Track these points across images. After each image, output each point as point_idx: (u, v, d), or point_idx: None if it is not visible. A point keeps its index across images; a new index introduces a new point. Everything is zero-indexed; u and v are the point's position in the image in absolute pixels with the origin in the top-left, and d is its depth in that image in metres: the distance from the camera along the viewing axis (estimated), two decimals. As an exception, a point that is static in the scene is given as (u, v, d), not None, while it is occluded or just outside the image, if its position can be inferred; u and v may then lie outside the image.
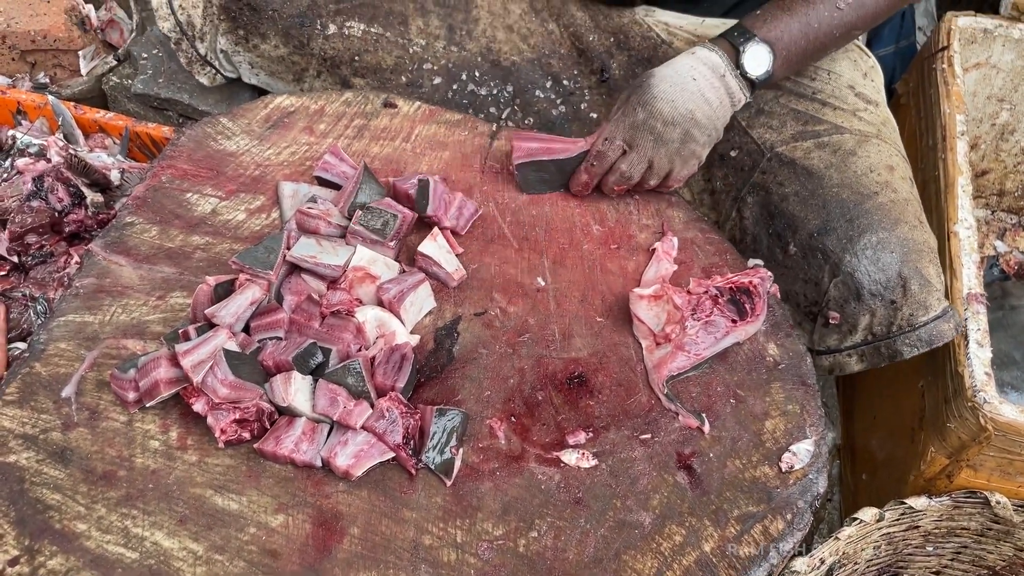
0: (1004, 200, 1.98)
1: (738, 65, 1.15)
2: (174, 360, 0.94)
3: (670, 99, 1.11)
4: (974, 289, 1.27)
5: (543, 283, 1.12)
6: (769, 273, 1.08)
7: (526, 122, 1.45)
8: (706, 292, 1.03)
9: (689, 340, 1.02)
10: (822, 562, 1.20)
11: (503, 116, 1.45)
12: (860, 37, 1.42)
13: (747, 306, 1.04)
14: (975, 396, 1.16)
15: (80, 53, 1.71)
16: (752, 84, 1.16)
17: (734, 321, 1.03)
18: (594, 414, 1.00)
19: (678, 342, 1.02)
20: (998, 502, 1.23)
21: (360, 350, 1.00)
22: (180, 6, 1.44)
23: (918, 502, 1.24)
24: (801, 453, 0.97)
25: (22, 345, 1.23)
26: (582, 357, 1.05)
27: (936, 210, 1.42)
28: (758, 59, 1.15)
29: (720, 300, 1.04)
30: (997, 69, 1.74)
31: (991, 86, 1.77)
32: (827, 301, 1.18)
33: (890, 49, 2.06)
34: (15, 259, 1.31)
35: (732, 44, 1.15)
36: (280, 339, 1.00)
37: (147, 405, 0.95)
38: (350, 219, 1.10)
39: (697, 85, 1.13)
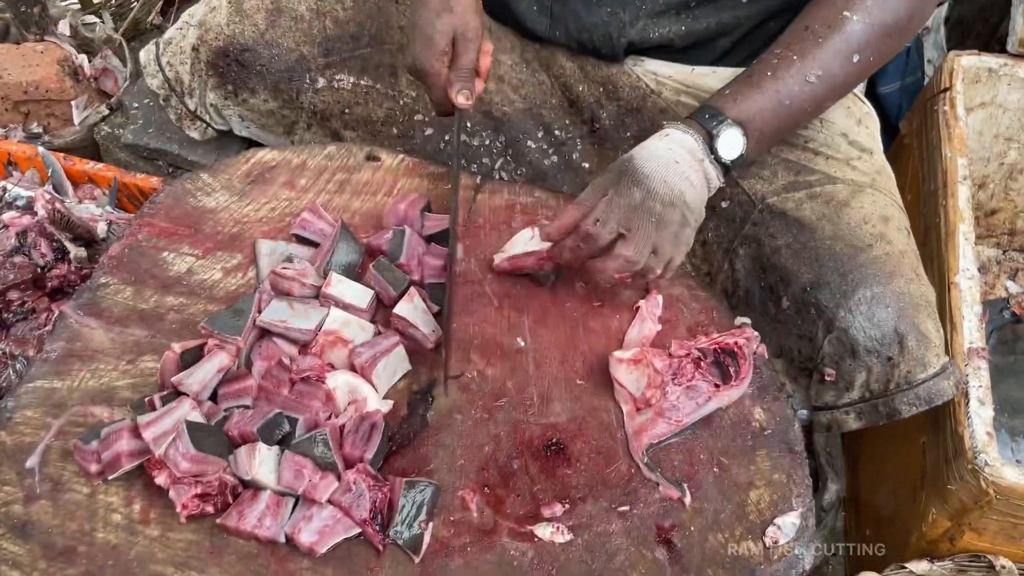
0: (1016, 239, 1.93)
1: (712, 150, 1.09)
2: (136, 432, 0.92)
3: (663, 179, 1.05)
4: (975, 343, 1.22)
5: (523, 344, 1.09)
6: (756, 333, 1.05)
7: (519, 172, 1.42)
8: (688, 355, 1.00)
9: (670, 406, 0.98)
10: (821, 628, 1.15)
11: (496, 166, 1.43)
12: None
13: (731, 369, 1.00)
14: (976, 458, 1.11)
15: (73, 103, 1.72)
16: (726, 168, 1.11)
17: (717, 386, 0.99)
18: (571, 484, 0.96)
19: (658, 408, 0.98)
20: (1003, 567, 1.18)
21: (330, 418, 0.98)
22: (168, 63, 1.44)
23: (919, 567, 1.19)
24: (786, 527, 0.92)
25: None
26: (560, 423, 1.01)
27: (937, 257, 1.38)
28: (732, 143, 1.09)
29: (703, 363, 1.00)
30: (1003, 108, 1.70)
31: (998, 125, 1.73)
32: (822, 357, 1.14)
33: (895, 86, 2.03)
34: (-4, 316, 1.30)
35: (704, 127, 1.09)
36: (248, 407, 0.98)
37: (109, 478, 0.93)
38: (325, 278, 1.08)
39: (680, 168, 1.06)
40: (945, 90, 1.58)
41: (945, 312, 1.26)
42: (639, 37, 1.27)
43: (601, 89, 1.36)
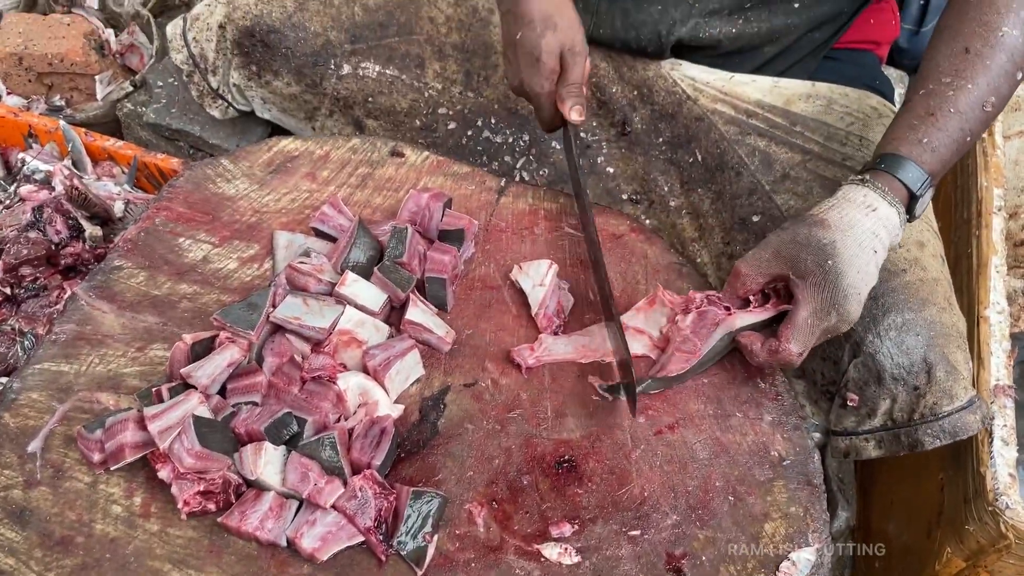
0: (1044, 272, 1.89)
1: (909, 211, 1.04)
2: (142, 423, 0.90)
3: (857, 292, 0.98)
4: (1002, 381, 1.19)
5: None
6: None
7: (541, 173, 1.40)
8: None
9: (683, 338, 1.02)
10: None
11: (518, 165, 1.41)
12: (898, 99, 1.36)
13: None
14: (997, 500, 1.08)
15: (97, 78, 1.70)
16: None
17: (728, 309, 1.02)
18: (581, 504, 0.94)
19: (675, 343, 1.02)
20: (1017, 612, 1.15)
21: (339, 420, 0.95)
22: (194, 39, 1.42)
23: (931, 606, 1.17)
24: (801, 563, 0.90)
25: (5, 380, 1.20)
26: (574, 439, 0.99)
27: (967, 289, 1.35)
28: (923, 204, 1.05)
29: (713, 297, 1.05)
30: (1041, 138, 1.66)
31: (1034, 155, 1.69)
32: (846, 382, 1.12)
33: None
34: (8, 291, 1.28)
35: (909, 190, 1.02)
36: (257, 404, 0.95)
37: (112, 468, 0.91)
38: (342, 275, 1.05)
39: (876, 260, 1.00)
40: (984, 117, 1.54)
41: (973, 346, 1.23)
42: (689, 35, 1.24)
43: (635, 92, 1.33)
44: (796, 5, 1.22)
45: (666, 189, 1.34)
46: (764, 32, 1.24)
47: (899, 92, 1.75)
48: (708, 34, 1.24)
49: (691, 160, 1.31)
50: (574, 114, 1.12)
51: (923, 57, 1.10)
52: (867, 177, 1.04)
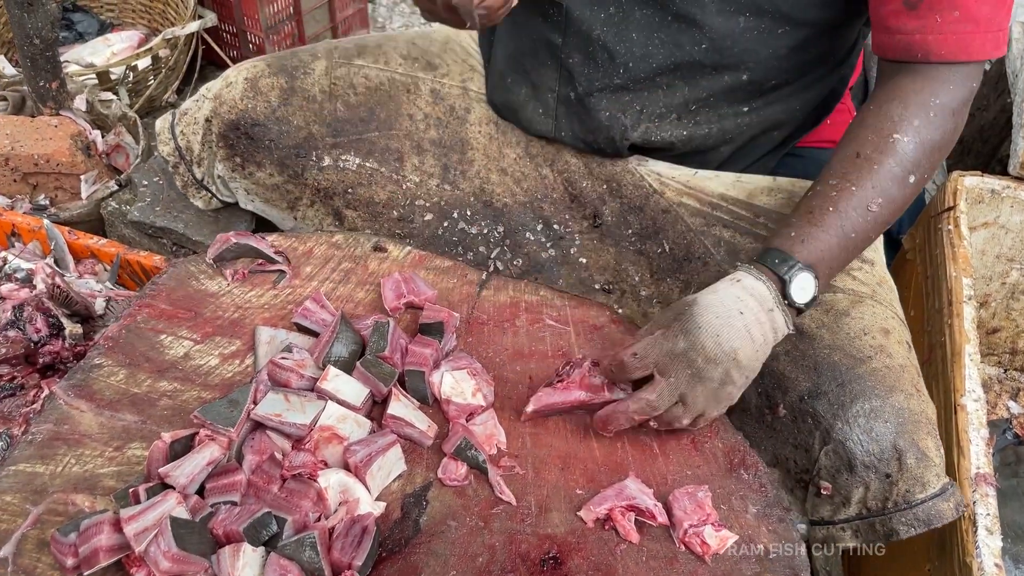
0: (1017, 359, 1.92)
1: (785, 296, 1.06)
2: (118, 525, 0.88)
3: (715, 333, 1.01)
4: (983, 468, 1.19)
5: (523, 449, 1.06)
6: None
7: (515, 263, 1.42)
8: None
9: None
10: None
11: (492, 255, 1.43)
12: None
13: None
14: (985, 591, 1.07)
15: (82, 177, 1.72)
16: (797, 311, 1.09)
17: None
18: (567, 602, 0.92)
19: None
20: None
21: (320, 519, 0.94)
22: (181, 132, 1.47)
23: None
24: (791, 660, 0.88)
25: (-21, 482, 1.18)
26: (558, 534, 0.98)
27: (943, 377, 1.36)
28: (804, 287, 1.07)
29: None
30: (1006, 229, 1.71)
31: (1000, 245, 1.74)
32: (818, 470, 1.11)
33: (898, 201, 2.05)
34: (-16, 390, 1.26)
35: (775, 273, 1.07)
36: (235, 504, 0.94)
37: (85, 573, 0.88)
38: (324, 370, 1.05)
39: (744, 320, 1.03)
40: (949, 209, 1.59)
41: (952, 435, 1.24)
42: (641, 139, 1.30)
43: (605, 186, 1.37)
44: (745, 108, 1.28)
45: (637, 279, 1.37)
46: (716, 133, 1.29)
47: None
48: (660, 137, 1.29)
49: (659, 251, 1.34)
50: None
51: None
52: (737, 264, 1.11)
